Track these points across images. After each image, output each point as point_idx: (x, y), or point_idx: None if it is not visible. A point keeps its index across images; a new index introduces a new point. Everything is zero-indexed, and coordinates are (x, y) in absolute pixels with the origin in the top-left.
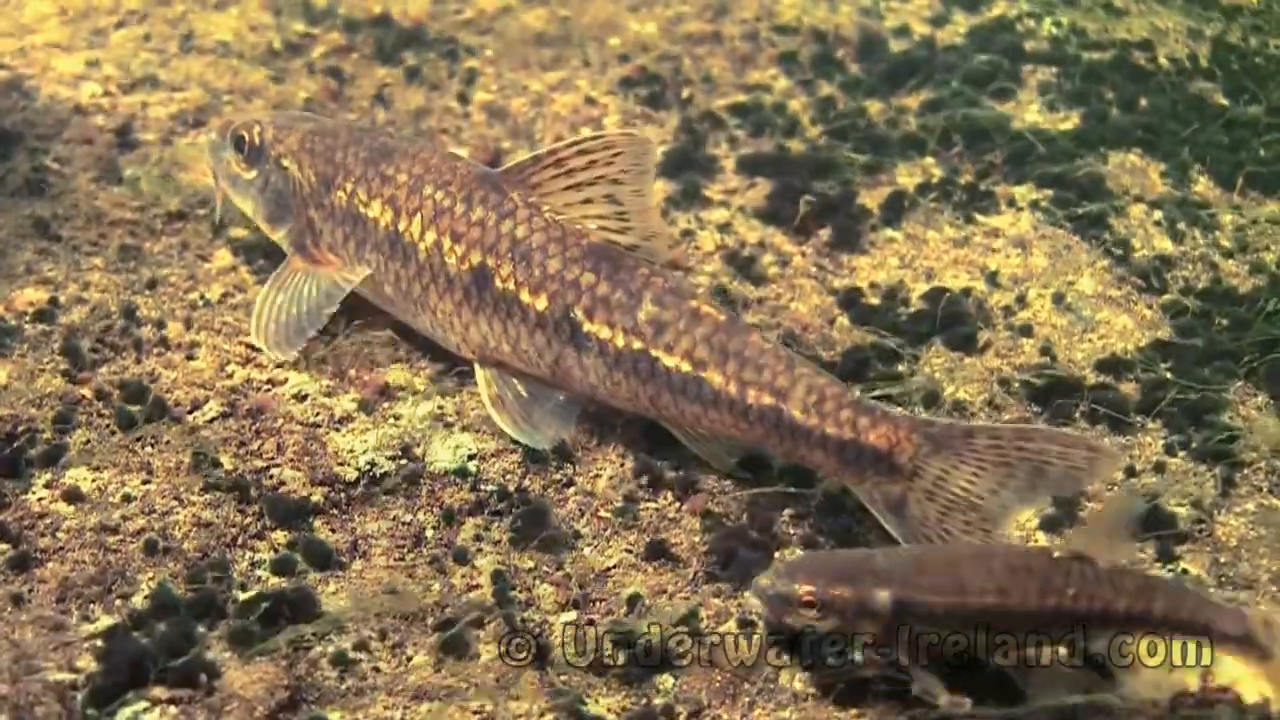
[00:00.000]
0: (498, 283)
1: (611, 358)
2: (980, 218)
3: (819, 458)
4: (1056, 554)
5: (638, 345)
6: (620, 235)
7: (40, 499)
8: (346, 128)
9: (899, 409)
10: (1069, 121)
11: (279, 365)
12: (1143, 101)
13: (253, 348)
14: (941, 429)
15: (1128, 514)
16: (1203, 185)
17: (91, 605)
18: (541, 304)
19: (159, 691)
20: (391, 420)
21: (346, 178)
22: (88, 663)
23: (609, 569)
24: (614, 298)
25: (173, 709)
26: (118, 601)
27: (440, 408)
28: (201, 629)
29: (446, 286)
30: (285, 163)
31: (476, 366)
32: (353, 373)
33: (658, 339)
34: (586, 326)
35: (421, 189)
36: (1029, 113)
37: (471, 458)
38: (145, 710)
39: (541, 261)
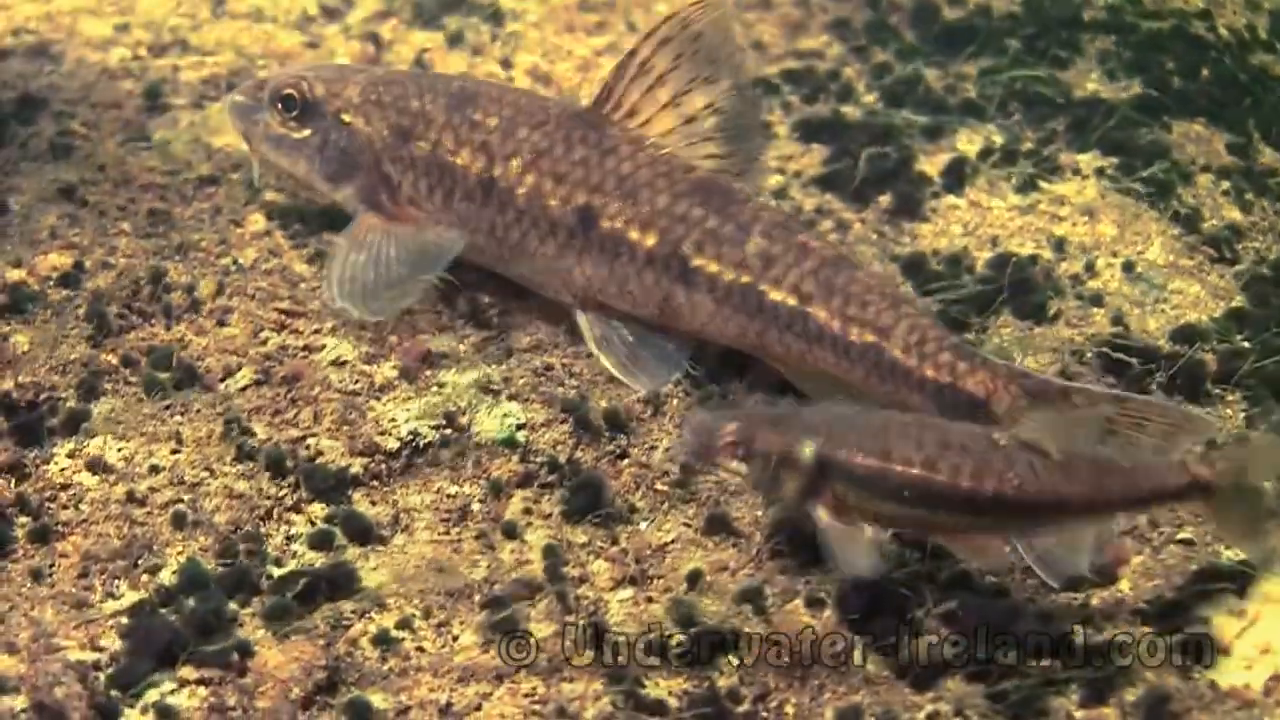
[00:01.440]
0: (604, 222)
1: (720, 293)
2: (1045, 185)
3: (916, 401)
4: (1001, 438)
5: (746, 279)
6: (724, 159)
7: (63, 469)
8: (408, 75)
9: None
10: (1130, 90)
11: (333, 328)
12: (1204, 71)
13: (294, 314)
14: (1039, 382)
15: (1091, 414)
16: (1269, 156)
17: (116, 581)
18: (651, 241)
19: (188, 672)
20: (435, 388)
21: (428, 127)
22: (111, 641)
23: (667, 544)
24: (723, 231)
25: (202, 690)
26: (144, 577)
27: (486, 375)
28: (234, 606)
29: (549, 230)
30: (347, 117)
31: (577, 312)
32: (394, 339)
33: (766, 273)
34: (695, 261)
35: (515, 131)
36: (1089, 81)
37: (520, 427)
38: (173, 692)
39: (650, 198)
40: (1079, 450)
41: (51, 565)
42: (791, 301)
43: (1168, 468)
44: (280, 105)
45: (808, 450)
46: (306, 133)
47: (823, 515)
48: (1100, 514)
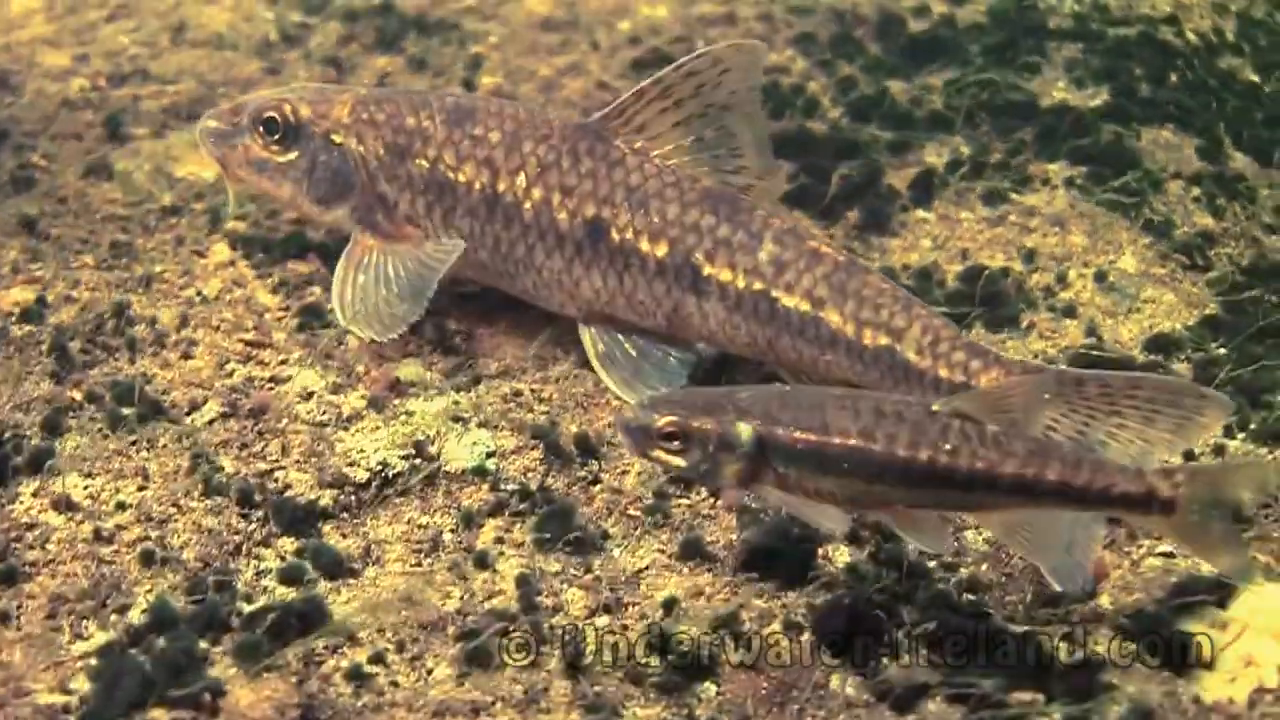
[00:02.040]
0: (614, 234)
1: (732, 300)
2: (1014, 196)
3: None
4: (936, 407)
5: (759, 286)
6: (735, 176)
7: (28, 508)
8: (397, 93)
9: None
10: (1098, 98)
11: (299, 358)
12: (1172, 77)
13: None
14: (1053, 374)
15: (1037, 380)
16: (1239, 161)
17: (85, 621)
18: (662, 251)
19: (159, 714)
20: (403, 417)
21: (426, 144)
22: (81, 683)
23: (641, 570)
24: (735, 239)
25: None
26: (113, 617)
27: (455, 403)
28: (204, 644)
29: (556, 243)
30: (338, 138)
31: (581, 325)
32: (361, 368)
33: (778, 279)
34: (707, 270)
35: (520, 145)
36: (1056, 90)
37: (490, 455)
38: None
39: (660, 208)
40: (1023, 433)
41: (19, 607)
42: (804, 307)
43: (1122, 471)
44: (262, 129)
45: (745, 431)
46: (292, 155)
47: (774, 493)
48: (1035, 500)
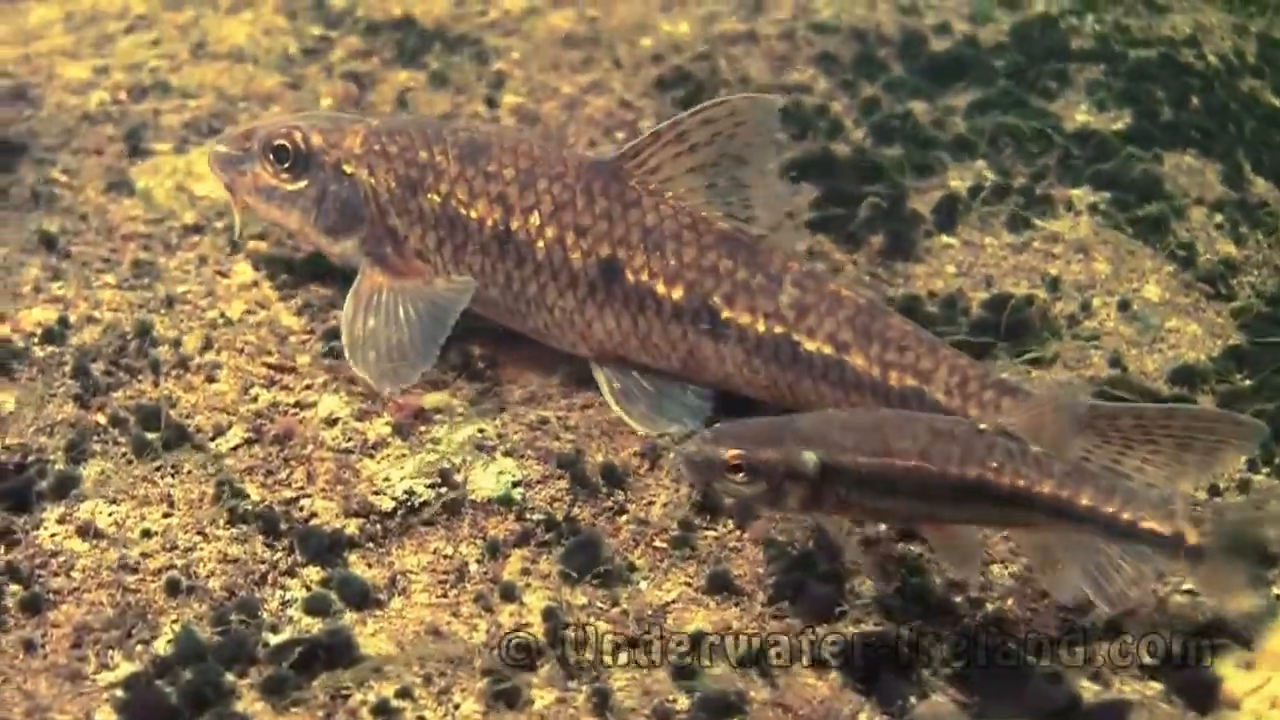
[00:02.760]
0: (629, 275)
1: (752, 344)
2: (1038, 221)
3: None
4: (982, 427)
5: (779, 330)
6: (748, 223)
7: (53, 535)
8: (410, 124)
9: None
10: (1120, 121)
11: (324, 383)
12: (1194, 100)
13: (278, 371)
14: (1087, 408)
15: (1069, 406)
16: (1261, 186)
17: (110, 651)
18: (678, 294)
19: None
20: (429, 445)
21: (439, 179)
22: (107, 715)
23: (668, 604)
24: (754, 283)
25: None
26: (138, 647)
27: (481, 431)
28: (230, 677)
29: (569, 283)
30: (349, 169)
31: (594, 366)
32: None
33: (800, 323)
34: (726, 314)
35: (534, 183)
36: (1078, 113)
37: (516, 484)
38: None
39: (676, 250)
40: (1065, 456)
41: (44, 635)
42: (827, 350)
43: (1156, 505)
44: (272, 156)
45: (810, 459)
46: (302, 184)
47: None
48: (1070, 522)
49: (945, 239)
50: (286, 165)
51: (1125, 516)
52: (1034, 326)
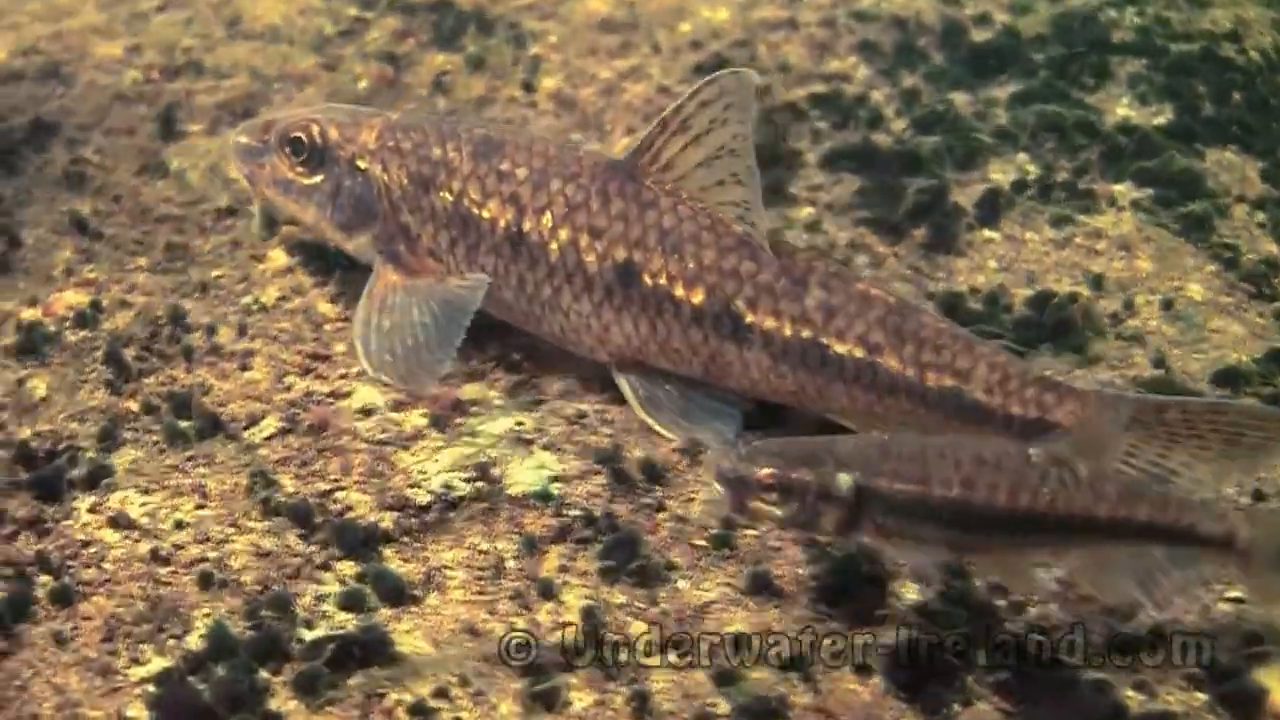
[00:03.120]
0: (646, 278)
1: (778, 349)
2: (1081, 217)
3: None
4: (1033, 453)
5: (807, 334)
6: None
7: (84, 525)
8: (426, 120)
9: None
10: (1161, 115)
11: (360, 373)
12: (1235, 95)
13: (311, 364)
14: (1132, 403)
15: (1116, 423)
16: None
17: (142, 646)
18: (698, 298)
19: None
20: (466, 438)
21: (451, 176)
22: (138, 711)
23: (708, 604)
24: (778, 285)
25: None
26: (170, 642)
27: (519, 424)
28: (264, 674)
29: (584, 286)
30: (363, 164)
31: (615, 372)
32: None
33: (828, 325)
34: (749, 318)
35: (547, 183)
36: (1120, 106)
37: (554, 479)
38: None
39: (695, 252)
40: (1109, 473)
41: (74, 628)
42: (859, 353)
43: (1206, 510)
44: (289, 149)
45: (845, 483)
46: (317, 179)
47: (873, 542)
48: (1128, 538)
49: (987, 233)
50: (302, 159)
51: (1182, 523)
52: (1077, 325)
